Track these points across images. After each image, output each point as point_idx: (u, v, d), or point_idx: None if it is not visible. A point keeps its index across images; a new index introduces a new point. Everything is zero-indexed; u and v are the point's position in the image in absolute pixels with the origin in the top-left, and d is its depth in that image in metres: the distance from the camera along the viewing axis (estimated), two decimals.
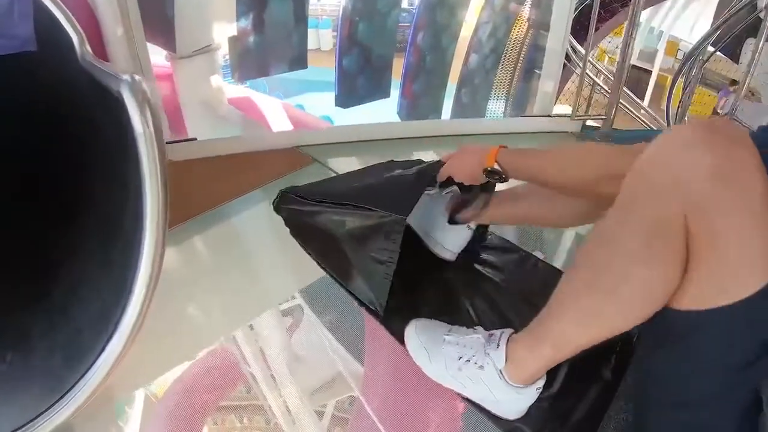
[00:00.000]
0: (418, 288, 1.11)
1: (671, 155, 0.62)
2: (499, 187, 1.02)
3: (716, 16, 3.78)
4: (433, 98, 3.95)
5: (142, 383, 0.97)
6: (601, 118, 2.08)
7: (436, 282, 1.15)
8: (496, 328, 0.86)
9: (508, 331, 0.84)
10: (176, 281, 1.22)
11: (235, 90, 3.39)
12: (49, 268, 0.93)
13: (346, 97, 3.53)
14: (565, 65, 2.23)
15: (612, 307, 0.69)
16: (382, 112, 3.75)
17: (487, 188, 1.07)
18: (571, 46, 3.22)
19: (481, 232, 1.22)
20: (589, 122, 2.11)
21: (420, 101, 3.91)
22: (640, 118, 3.55)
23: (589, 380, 0.91)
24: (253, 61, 2.98)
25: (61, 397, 0.74)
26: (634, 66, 6.37)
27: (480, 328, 0.88)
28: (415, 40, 3.72)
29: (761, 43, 2.14)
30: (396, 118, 3.87)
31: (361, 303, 1.04)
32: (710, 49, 2.89)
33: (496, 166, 0.94)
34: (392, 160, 1.25)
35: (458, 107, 4.05)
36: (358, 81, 3.53)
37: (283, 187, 1.19)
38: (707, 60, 2.90)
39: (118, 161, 0.75)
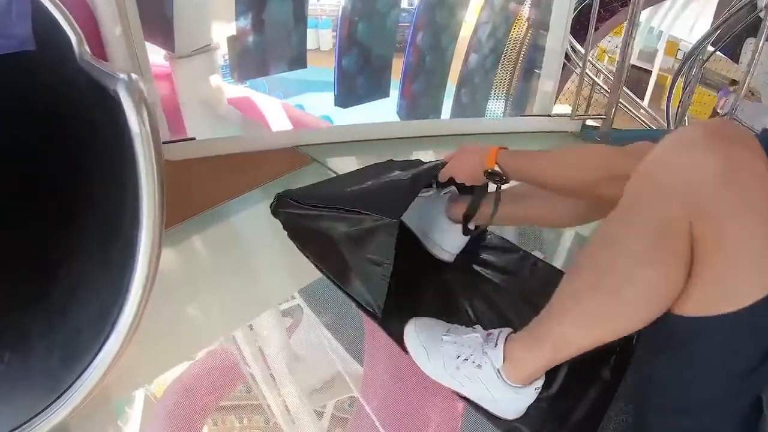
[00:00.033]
0: (416, 290, 1.11)
1: (678, 156, 0.62)
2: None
3: (716, 16, 3.78)
4: (433, 98, 3.95)
5: (141, 383, 0.97)
6: (601, 118, 2.08)
7: (434, 283, 1.15)
8: (496, 328, 0.86)
9: (507, 330, 0.83)
10: (175, 281, 1.22)
11: (234, 90, 3.38)
12: (48, 268, 0.93)
13: (346, 97, 3.53)
14: (564, 65, 2.22)
15: (615, 309, 0.68)
16: (381, 112, 3.76)
17: (485, 188, 1.07)
18: (571, 46, 3.22)
19: (480, 232, 1.22)
20: (589, 122, 2.11)
21: (419, 101, 3.91)
22: (639, 118, 3.55)
23: (588, 381, 0.91)
24: (252, 60, 2.98)
25: (59, 397, 0.73)
26: (633, 66, 6.37)
27: (479, 327, 0.88)
28: (414, 40, 3.72)
29: (761, 42, 2.14)
30: (395, 118, 3.87)
31: (359, 305, 1.04)
32: (710, 48, 2.89)
33: (496, 168, 0.94)
34: (391, 160, 1.25)
35: (458, 107, 4.05)
36: (358, 81, 3.53)
37: (282, 187, 1.19)
38: (707, 60, 2.90)
39: (116, 161, 0.74)
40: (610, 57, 6.24)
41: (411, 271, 1.13)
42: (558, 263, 1.29)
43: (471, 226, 1.12)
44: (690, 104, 3.06)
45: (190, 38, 2.50)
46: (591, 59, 3.88)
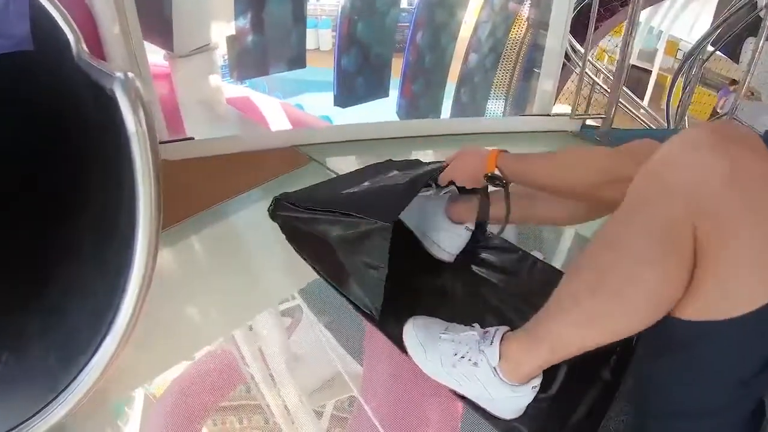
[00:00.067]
0: (415, 290, 1.11)
1: (683, 157, 0.61)
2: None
3: (716, 15, 3.78)
4: (433, 98, 3.95)
5: (140, 384, 0.97)
6: (601, 117, 2.08)
7: (433, 283, 1.14)
8: None
9: (503, 328, 0.83)
10: (174, 281, 1.22)
11: (233, 90, 3.38)
12: (46, 268, 0.93)
13: (345, 97, 3.53)
14: (564, 64, 2.22)
15: (615, 310, 0.67)
16: (381, 112, 3.76)
17: (486, 191, 1.07)
18: (571, 46, 3.22)
19: (479, 232, 1.22)
20: (589, 121, 2.11)
21: (419, 101, 3.91)
22: (639, 118, 3.55)
23: (588, 381, 0.91)
24: (251, 60, 2.97)
25: (56, 397, 0.73)
26: (633, 66, 6.37)
27: (477, 326, 0.88)
28: (414, 40, 3.72)
29: (761, 42, 2.14)
30: (395, 118, 3.87)
31: (357, 308, 1.04)
32: (710, 48, 2.89)
33: (496, 172, 0.95)
34: (390, 160, 1.24)
35: (457, 107, 4.05)
36: (357, 81, 3.53)
37: (281, 186, 1.19)
38: (707, 59, 2.91)
39: (113, 161, 0.74)
40: (609, 56, 6.24)
41: (410, 271, 1.12)
42: (558, 263, 1.28)
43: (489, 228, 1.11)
44: (690, 104, 3.07)
45: (189, 38, 2.50)
46: (591, 59, 3.88)
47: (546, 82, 2.05)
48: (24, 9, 0.82)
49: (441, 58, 3.84)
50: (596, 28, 2.80)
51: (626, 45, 1.92)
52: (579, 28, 2.36)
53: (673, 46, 7.27)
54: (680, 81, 3.13)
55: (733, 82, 4.78)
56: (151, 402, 0.94)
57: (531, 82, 3.77)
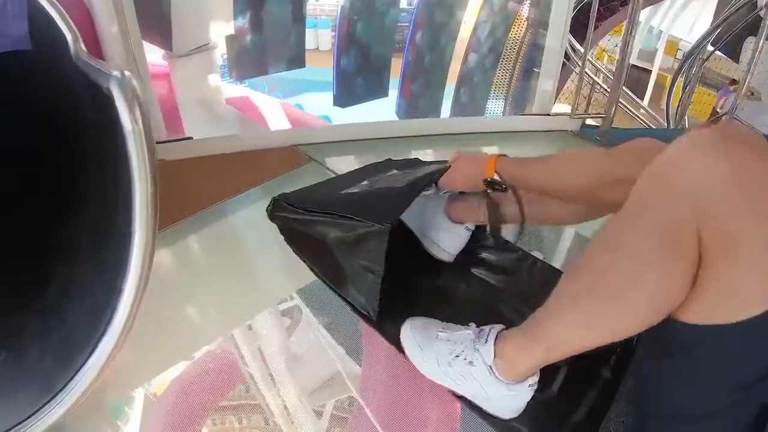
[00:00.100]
0: (414, 290, 1.11)
1: (689, 159, 0.60)
2: None
3: (716, 15, 3.78)
4: (432, 98, 3.94)
5: (139, 384, 0.97)
6: (601, 117, 2.08)
7: (433, 283, 1.14)
8: None
9: (498, 326, 0.82)
10: (173, 281, 1.22)
11: (233, 89, 3.38)
12: (45, 268, 0.92)
13: (345, 97, 3.52)
14: (564, 64, 2.22)
15: (615, 311, 0.66)
16: (380, 112, 3.75)
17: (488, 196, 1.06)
18: (571, 45, 3.22)
19: (478, 232, 1.21)
20: (589, 121, 2.11)
21: (419, 101, 3.90)
22: (639, 117, 3.55)
23: (588, 381, 0.90)
24: (250, 60, 2.97)
25: (53, 398, 0.73)
26: (633, 66, 6.37)
27: (472, 325, 0.87)
28: (413, 40, 3.72)
29: (761, 41, 2.13)
30: (394, 118, 3.86)
31: (355, 309, 1.04)
32: (710, 48, 2.89)
33: (496, 177, 0.95)
34: (389, 159, 1.24)
35: (457, 107, 4.04)
36: (357, 80, 3.52)
37: (280, 186, 1.19)
38: (707, 59, 2.91)
39: (111, 160, 0.74)
40: (609, 56, 6.24)
41: (409, 271, 1.12)
42: (557, 263, 1.28)
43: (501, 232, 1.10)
44: (690, 103, 3.07)
45: (188, 37, 2.49)
46: (590, 58, 3.88)
47: (546, 82, 2.04)
48: (22, 8, 0.82)
49: (440, 58, 3.84)
50: (596, 28, 2.80)
51: (626, 44, 1.92)
52: (579, 27, 2.36)
53: (672, 45, 7.27)
54: (680, 81, 3.13)
55: (733, 81, 4.78)
56: (151, 402, 0.94)
57: (531, 82, 3.77)
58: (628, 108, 3.44)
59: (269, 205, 1.13)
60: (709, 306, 0.61)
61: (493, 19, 3.92)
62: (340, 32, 3.37)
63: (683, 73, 3.07)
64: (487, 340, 0.80)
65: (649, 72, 7.16)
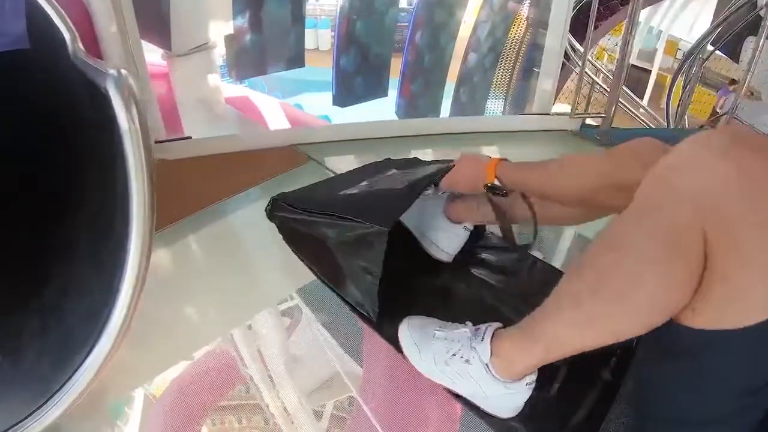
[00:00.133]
0: (413, 291, 1.10)
1: (693, 161, 0.60)
2: None
3: (716, 15, 3.78)
4: (432, 97, 3.94)
5: (138, 383, 0.97)
6: (601, 117, 2.07)
7: (432, 284, 1.14)
8: None
9: (495, 324, 0.82)
10: (172, 281, 1.21)
11: (232, 89, 3.37)
12: (43, 267, 0.92)
13: (344, 97, 3.52)
14: (564, 64, 2.22)
15: (615, 312, 0.66)
16: (380, 112, 3.75)
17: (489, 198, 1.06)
18: (570, 45, 3.22)
19: (478, 232, 1.21)
20: (589, 120, 2.10)
21: (418, 100, 3.90)
22: (639, 117, 3.55)
23: (588, 382, 0.90)
24: (249, 59, 2.97)
25: (50, 398, 0.73)
26: (633, 66, 6.38)
27: (469, 323, 0.87)
28: (413, 39, 3.71)
29: (761, 41, 2.13)
30: (394, 118, 3.86)
31: (355, 310, 1.04)
32: (710, 47, 2.89)
33: (496, 182, 0.95)
34: (389, 159, 1.24)
35: (457, 106, 4.04)
36: (356, 80, 3.52)
37: (280, 186, 1.19)
38: (707, 59, 2.91)
39: (109, 160, 0.74)
40: (609, 56, 6.24)
41: (408, 271, 1.12)
42: (558, 263, 1.28)
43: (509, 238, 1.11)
44: (690, 103, 3.07)
45: (187, 37, 2.49)
46: (590, 58, 3.88)
47: (545, 81, 2.04)
48: (20, 7, 0.81)
49: (440, 57, 3.84)
50: (596, 27, 2.80)
51: (626, 44, 1.91)
52: (578, 27, 2.36)
53: (672, 45, 7.27)
54: (680, 80, 3.13)
55: (733, 81, 4.78)
56: (151, 402, 0.94)
57: (530, 82, 3.77)
58: (627, 108, 3.44)
59: (268, 205, 1.13)
60: (715, 310, 0.60)
61: (492, 18, 3.92)
62: (339, 32, 3.36)
63: (683, 73, 3.07)
64: (483, 338, 0.80)
65: (649, 72, 7.16)
